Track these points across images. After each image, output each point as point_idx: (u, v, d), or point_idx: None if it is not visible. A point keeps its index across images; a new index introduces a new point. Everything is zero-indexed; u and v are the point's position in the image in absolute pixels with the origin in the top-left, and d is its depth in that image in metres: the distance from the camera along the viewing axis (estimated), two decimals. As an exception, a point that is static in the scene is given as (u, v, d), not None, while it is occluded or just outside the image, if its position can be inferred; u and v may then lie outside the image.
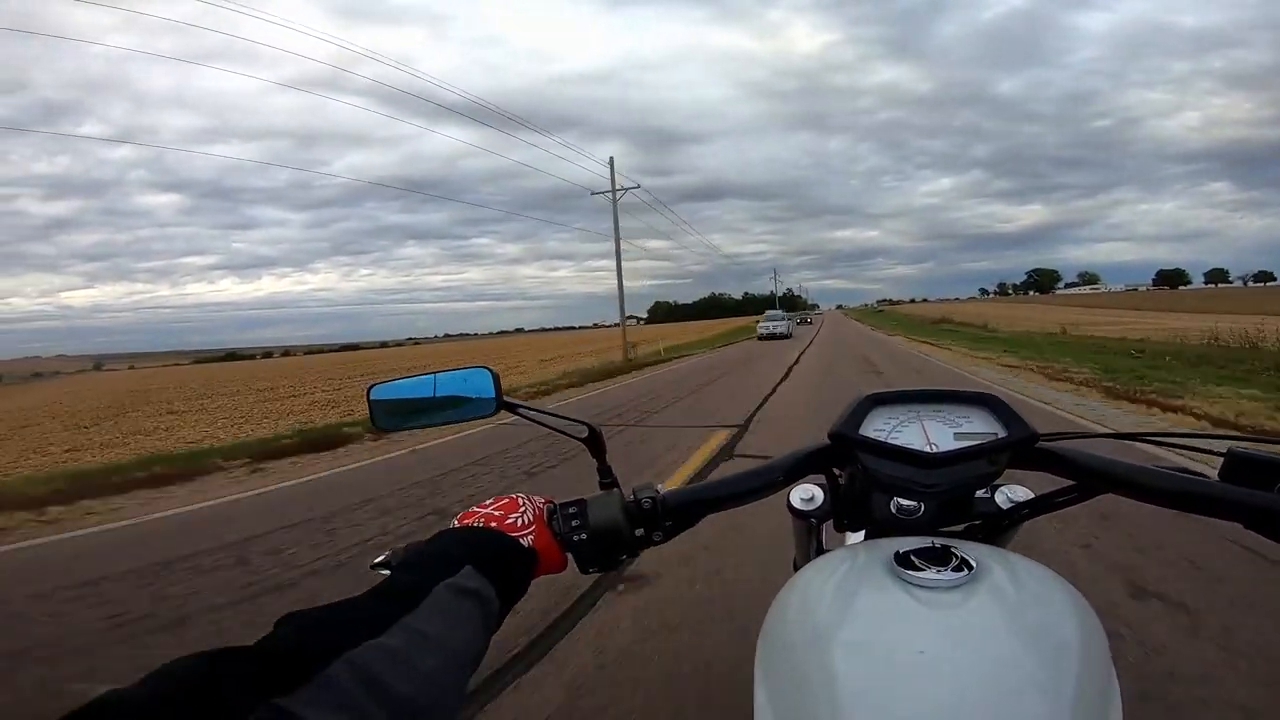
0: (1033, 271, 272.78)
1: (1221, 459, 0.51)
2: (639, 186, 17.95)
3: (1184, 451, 0.62)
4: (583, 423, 0.58)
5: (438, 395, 0.60)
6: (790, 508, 0.65)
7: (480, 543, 0.49)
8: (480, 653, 0.43)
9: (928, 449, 0.57)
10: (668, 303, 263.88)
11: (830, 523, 0.66)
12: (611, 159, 19.85)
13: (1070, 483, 0.57)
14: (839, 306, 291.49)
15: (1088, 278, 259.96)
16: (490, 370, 0.59)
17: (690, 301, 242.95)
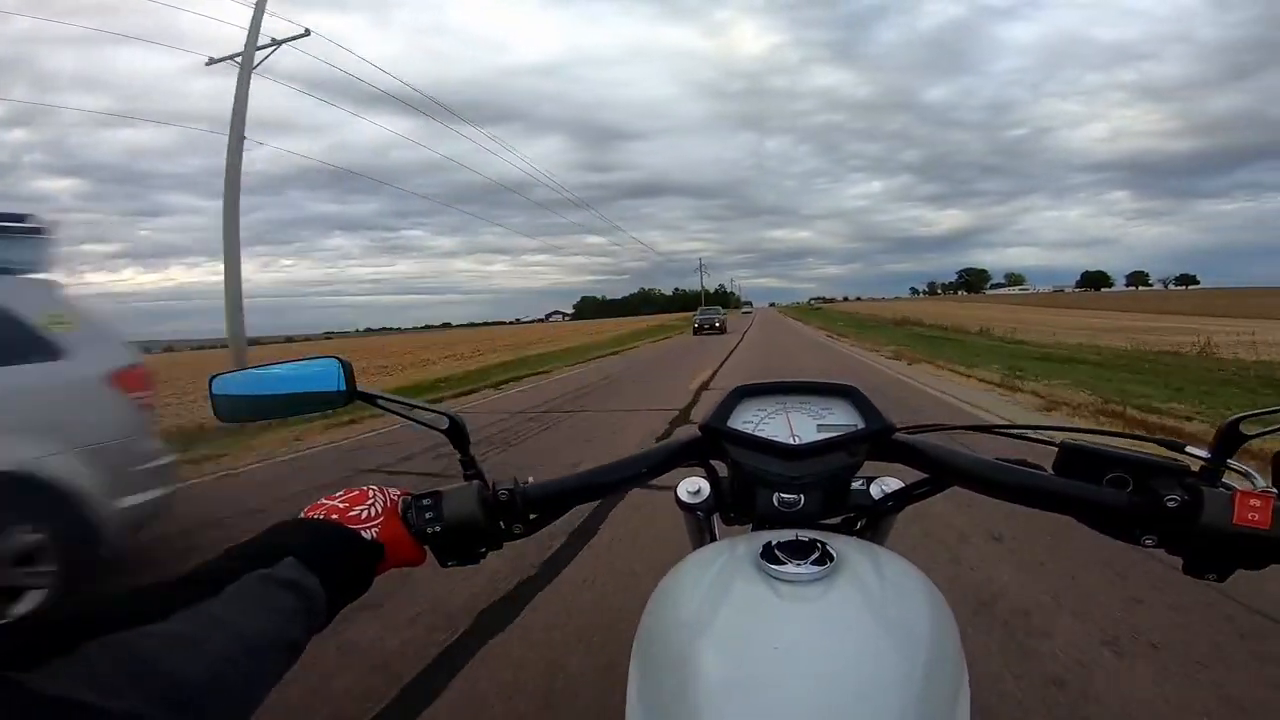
0: (964, 271, 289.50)
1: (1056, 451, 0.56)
2: (308, 33, 10.46)
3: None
4: (443, 413, 0.59)
5: (284, 386, 0.60)
6: (678, 501, 0.67)
7: (310, 535, 0.50)
8: (295, 643, 0.44)
9: (791, 440, 0.60)
10: (595, 298, 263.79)
11: (718, 516, 0.68)
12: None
13: (924, 475, 0.61)
14: (772, 304, 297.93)
15: (1014, 278, 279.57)
16: (339, 359, 0.59)
17: (621, 297, 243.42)
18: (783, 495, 0.60)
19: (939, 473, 0.59)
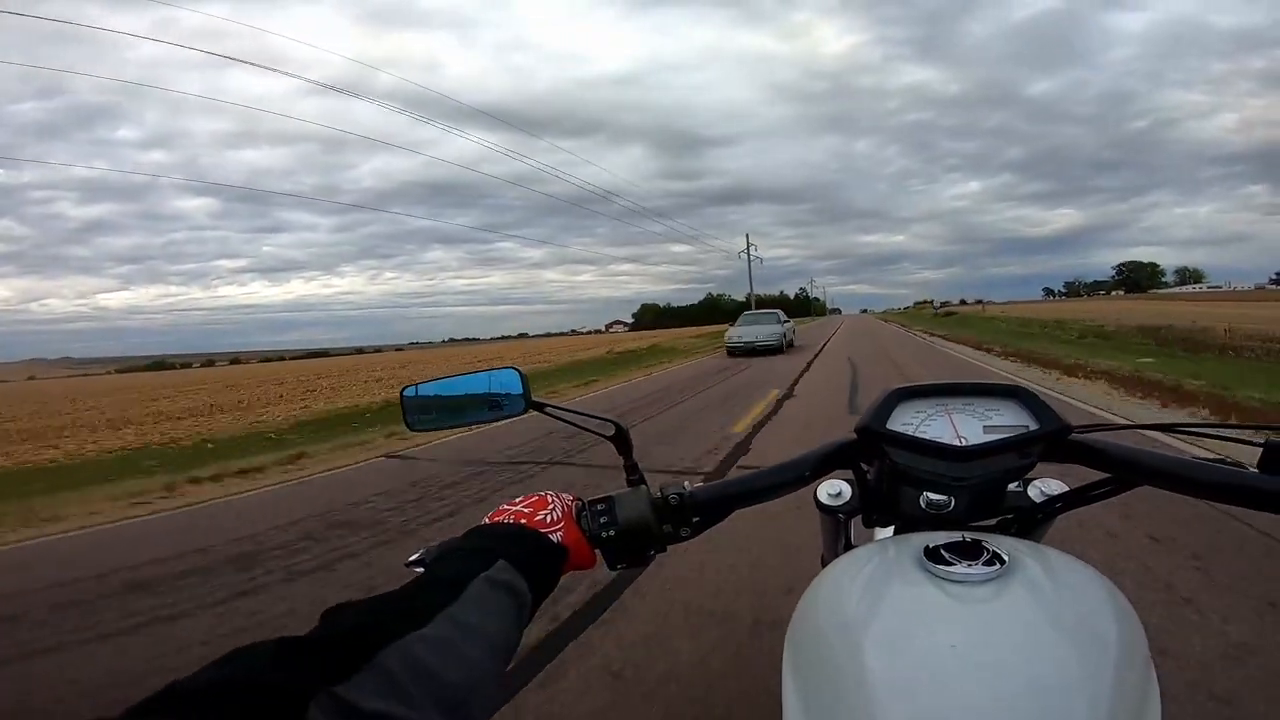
0: (1124, 266, 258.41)
1: (1260, 450, 0.57)
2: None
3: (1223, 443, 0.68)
4: (610, 420, 0.67)
5: (467, 395, 0.70)
6: (817, 503, 0.72)
7: (512, 538, 0.56)
8: (514, 644, 0.49)
9: (957, 442, 0.63)
10: (656, 305, 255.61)
11: (858, 519, 0.72)
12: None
13: (1104, 475, 0.64)
14: (864, 310, 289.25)
15: (1189, 273, 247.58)
16: (518, 370, 0.69)
17: (687, 304, 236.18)
18: (931, 497, 0.64)
19: (1125, 472, 0.62)
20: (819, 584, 0.58)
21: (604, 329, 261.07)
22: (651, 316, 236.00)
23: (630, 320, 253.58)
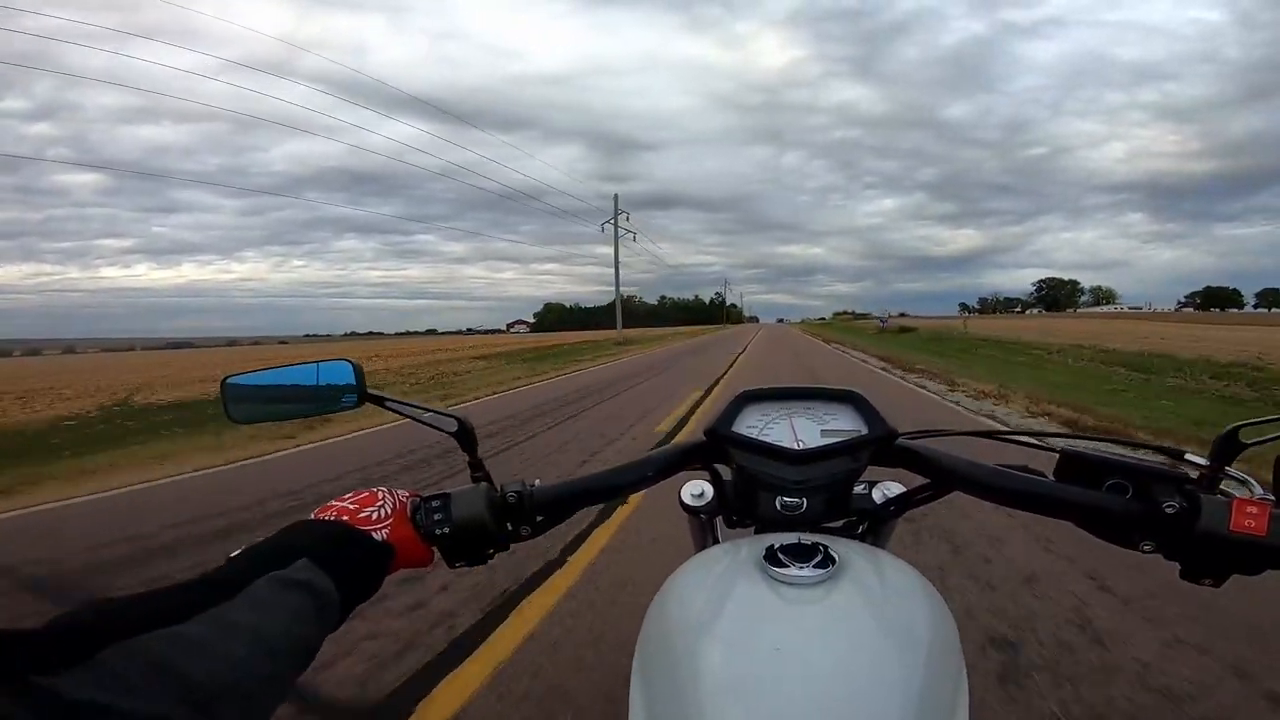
0: (1045, 283, 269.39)
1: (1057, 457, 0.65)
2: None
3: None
4: (452, 416, 0.68)
5: (295, 385, 0.70)
6: (682, 504, 0.77)
7: (324, 537, 0.57)
8: (310, 644, 0.50)
9: (795, 445, 0.70)
10: (561, 305, 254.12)
11: (721, 518, 0.77)
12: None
13: (926, 480, 0.71)
14: (780, 320, 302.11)
15: (1102, 293, 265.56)
16: (351, 362, 0.69)
17: (593, 306, 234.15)
18: (785, 499, 0.69)
19: (940, 478, 0.69)
20: (668, 585, 0.62)
21: (505, 328, 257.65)
22: (556, 317, 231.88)
23: (532, 320, 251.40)
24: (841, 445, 0.69)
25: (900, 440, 0.71)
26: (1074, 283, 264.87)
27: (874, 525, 0.73)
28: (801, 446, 0.69)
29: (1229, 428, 0.58)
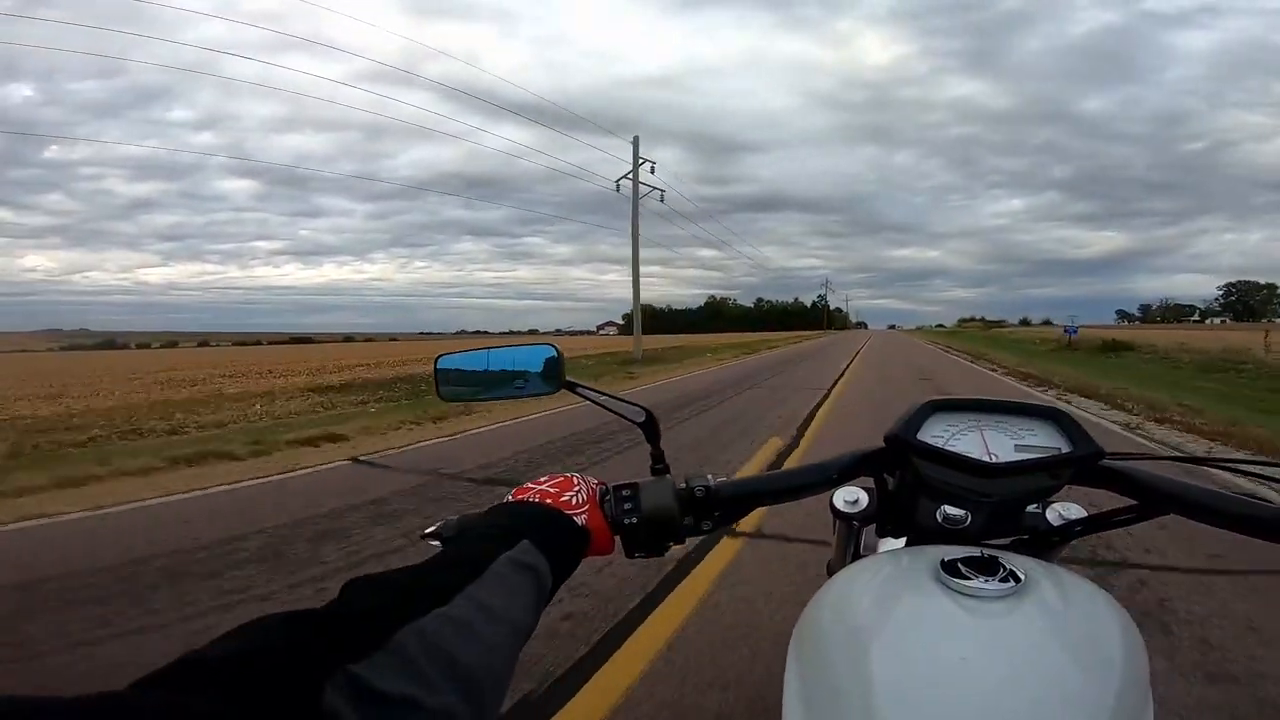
0: (1233, 286, 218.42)
1: None
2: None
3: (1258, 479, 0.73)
4: (640, 406, 0.71)
5: (501, 369, 0.75)
6: (833, 508, 0.76)
7: (537, 518, 0.59)
8: (531, 627, 0.50)
9: (987, 458, 0.67)
10: (650, 306, 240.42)
11: (870, 528, 0.77)
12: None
13: (1130, 503, 0.68)
14: (892, 327, 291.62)
15: None
16: (554, 347, 0.74)
17: (685, 308, 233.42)
18: (948, 511, 0.68)
19: (1151, 499, 0.66)
20: (829, 589, 0.62)
21: (595, 330, 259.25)
22: (647, 319, 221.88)
23: (621, 322, 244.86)
24: (1042, 461, 0.66)
25: (1105, 461, 0.68)
26: (1272, 286, 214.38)
27: (1040, 546, 0.69)
28: (995, 459, 0.67)
29: None
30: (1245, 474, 0.72)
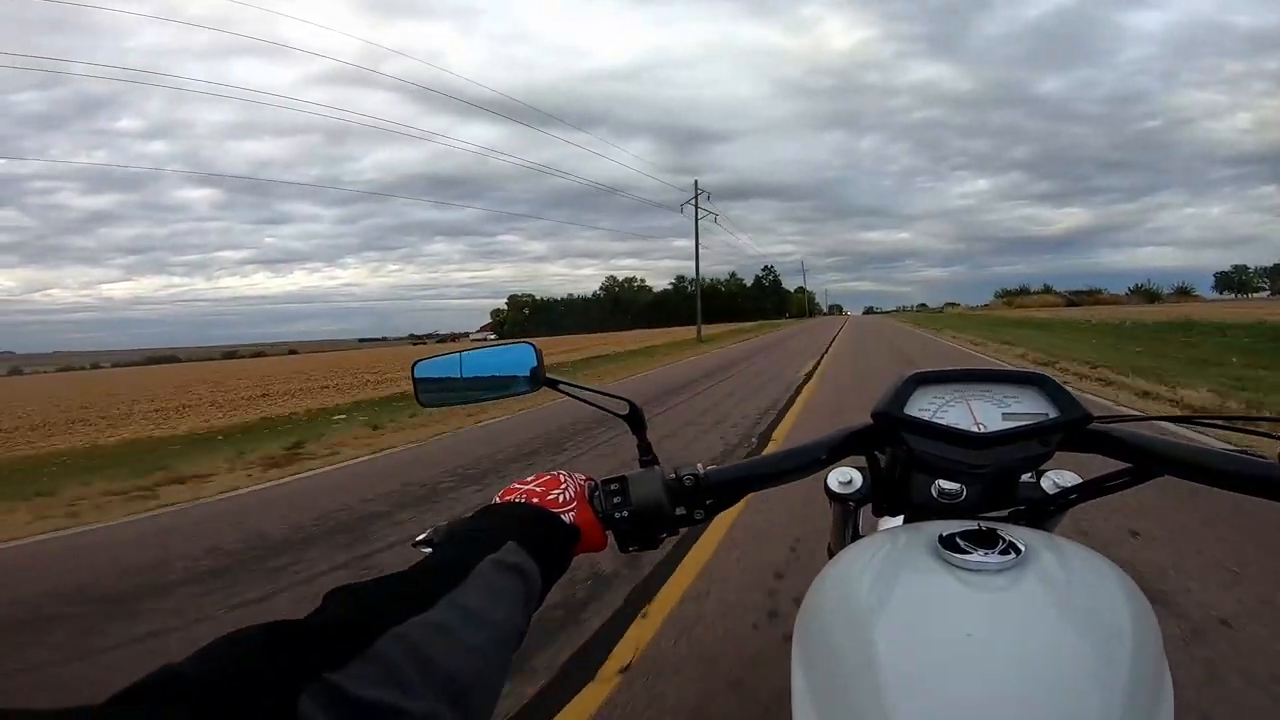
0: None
1: None
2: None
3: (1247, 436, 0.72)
4: (623, 399, 0.71)
5: (477, 374, 0.73)
6: (827, 490, 0.76)
7: (523, 519, 0.58)
8: (522, 629, 0.50)
9: (975, 428, 0.67)
10: (528, 297, 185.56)
11: (867, 508, 0.77)
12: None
13: (1122, 465, 0.67)
14: (869, 310, 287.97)
15: None
16: (532, 345, 0.73)
17: (662, 297, 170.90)
18: (943, 485, 0.68)
19: (1143, 461, 0.65)
20: (829, 572, 0.62)
21: (474, 333, 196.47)
22: (522, 318, 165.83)
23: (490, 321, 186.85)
24: (1029, 429, 0.65)
25: (1094, 424, 0.67)
26: (1243, 268, 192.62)
27: (1038, 516, 0.69)
28: (983, 429, 0.66)
29: None
30: (1234, 430, 0.72)
